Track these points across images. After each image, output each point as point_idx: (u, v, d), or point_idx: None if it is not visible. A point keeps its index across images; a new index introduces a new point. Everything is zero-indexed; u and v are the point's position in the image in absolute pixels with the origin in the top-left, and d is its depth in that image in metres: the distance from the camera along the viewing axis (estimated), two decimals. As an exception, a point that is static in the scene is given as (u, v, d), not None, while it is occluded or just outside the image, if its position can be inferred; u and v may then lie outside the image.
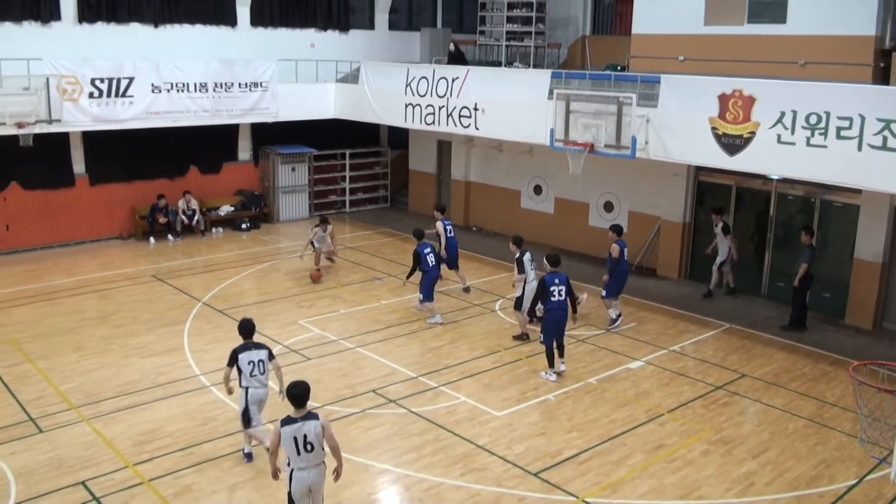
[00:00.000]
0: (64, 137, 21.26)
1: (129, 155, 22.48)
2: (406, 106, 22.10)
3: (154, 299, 17.62)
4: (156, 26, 22.35)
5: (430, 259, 16.33)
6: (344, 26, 26.19)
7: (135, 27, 22.01)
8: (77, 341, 15.14)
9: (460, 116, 20.63)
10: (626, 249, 16.50)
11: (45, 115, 19.09)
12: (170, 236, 22.75)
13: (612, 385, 13.57)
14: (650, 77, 16.92)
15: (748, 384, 13.76)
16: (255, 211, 24.87)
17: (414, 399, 12.85)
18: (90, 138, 21.66)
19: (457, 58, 24.00)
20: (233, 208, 24.55)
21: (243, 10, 23.90)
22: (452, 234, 18.04)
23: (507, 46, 25.73)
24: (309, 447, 8.31)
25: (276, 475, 8.85)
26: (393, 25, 27.63)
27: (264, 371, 10.73)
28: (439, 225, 17.86)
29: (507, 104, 19.41)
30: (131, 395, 12.84)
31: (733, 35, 18.65)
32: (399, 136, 27.56)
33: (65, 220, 21.87)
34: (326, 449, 8.52)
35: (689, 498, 10.21)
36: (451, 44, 24.59)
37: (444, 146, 25.97)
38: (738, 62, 17.90)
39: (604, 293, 16.36)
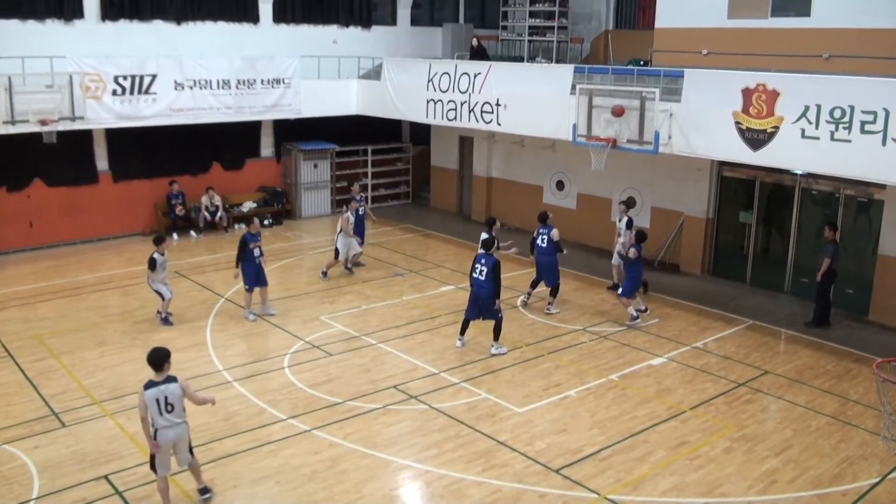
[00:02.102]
0: (87, 134, 21.45)
1: (152, 152, 22.65)
2: (428, 102, 22.11)
3: (177, 295, 17.65)
4: (178, 23, 22.47)
5: (256, 252, 16.28)
6: (366, 22, 26.23)
7: (157, 24, 22.15)
8: (100, 337, 15.27)
9: (482, 112, 20.61)
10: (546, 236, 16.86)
11: (69, 112, 19.25)
12: (192, 232, 22.88)
13: (634, 382, 13.51)
14: (673, 71, 16.83)
15: (771, 381, 13.66)
16: (278, 207, 24.96)
17: (435, 395, 12.85)
18: (113, 135, 21.84)
19: (479, 53, 23.96)
20: (255, 204, 24.65)
21: (265, 7, 23.99)
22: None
23: (529, 42, 25.66)
24: (169, 408, 9.27)
25: (152, 446, 9.43)
26: (415, 21, 27.63)
27: None
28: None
29: (530, 100, 19.37)
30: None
31: (757, 28, 18.52)
32: (421, 132, 27.58)
33: (88, 216, 22.05)
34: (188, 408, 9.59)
35: (711, 495, 10.15)
36: (474, 39, 24.55)
37: (465, 142, 25.95)
38: (762, 56, 17.77)
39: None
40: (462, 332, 14.85)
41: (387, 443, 11.34)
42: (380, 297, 17.67)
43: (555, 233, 16.79)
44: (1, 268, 19.74)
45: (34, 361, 14.08)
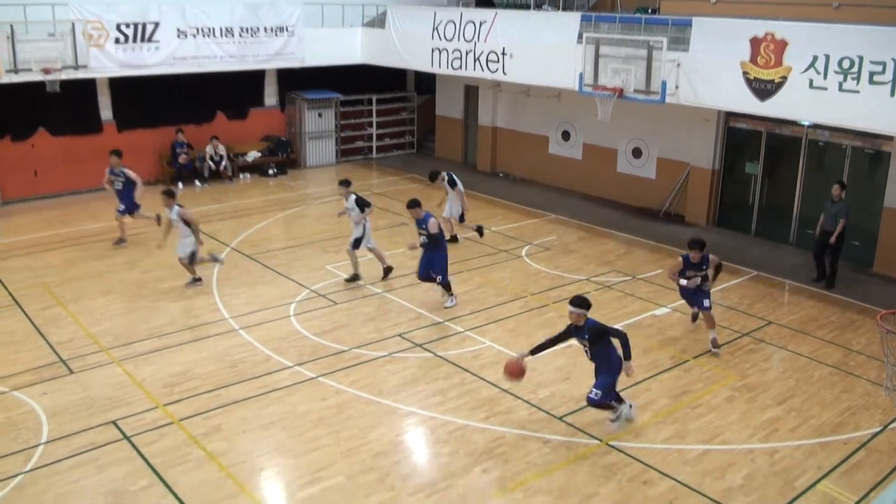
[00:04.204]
0: (91, 83, 21.33)
1: (155, 101, 22.52)
2: (433, 50, 21.92)
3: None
4: (181, -31, 22.23)
5: None
6: (370, -31, 25.91)
7: (160, -30, 21.91)
8: (107, 285, 15.34)
9: (488, 61, 20.44)
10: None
11: (72, 60, 19.15)
12: (197, 182, 22.86)
13: (638, 331, 13.57)
14: (681, 20, 16.62)
15: (774, 331, 13.71)
16: (282, 157, 24.89)
17: (440, 343, 12.94)
18: (117, 84, 21.72)
19: (485, 1, 23.68)
20: (260, 154, 24.58)
21: (269, -47, 23.68)
22: None
23: (535, -11, 25.34)
24: None
25: None
26: (420, -32, 27.26)
27: None
28: None
29: (536, 48, 19.20)
30: (160, 338, 13.03)
31: (767, -23, 18.25)
32: (426, 82, 27.37)
33: (92, 165, 21.94)
34: None
35: (712, 443, 10.25)
36: (480, -14, 24.27)
37: (471, 91, 25.77)
38: (771, 5, 17.51)
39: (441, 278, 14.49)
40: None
41: (392, 390, 11.45)
42: (384, 246, 17.57)
43: (433, 223, 14.27)
44: (6, 217, 19.79)
45: (41, 309, 14.17)
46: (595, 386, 10.16)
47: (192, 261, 15.09)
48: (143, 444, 9.99)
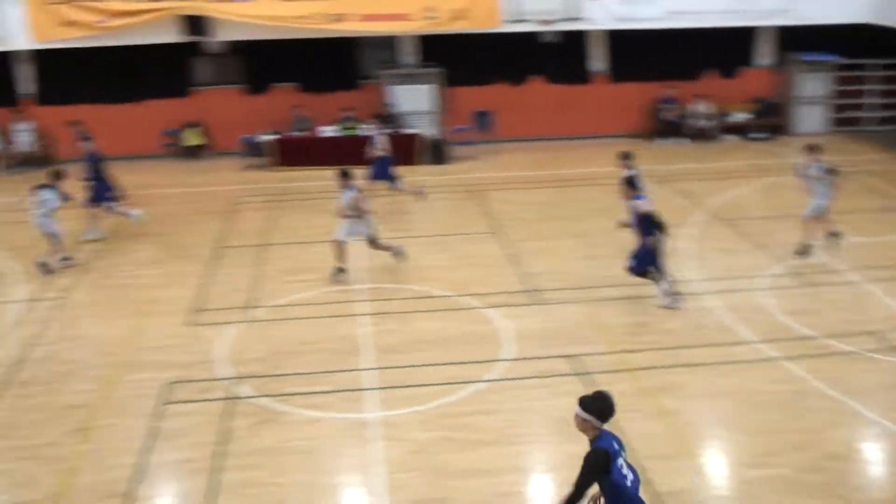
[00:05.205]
0: (584, 34, 22.27)
1: (648, 54, 22.66)
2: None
3: (657, 200, 17.81)
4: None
5: None
6: None
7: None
8: (580, 229, 16.06)
9: None
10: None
11: (569, 13, 20.21)
12: (679, 139, 22.84)
13: None
14: None
15: None
16: (771, 121, 23.81)
17: (920, 351, 11.51)
18: (614, 36, 22.38)
19: None
20: (749, 116, 23.77)
21: None
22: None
23: None
24: None
25: None
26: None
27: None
28: None
29: None
30: (623, 287, 13.12)
31: None
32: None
33: (579, 114, 23.03)
34: None
35: None
36: None
37: None
38: None
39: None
40: None
41: (860, 391, 10.33)
42: (869, 230, 15.89)
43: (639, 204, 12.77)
44: (498, 153, 21.69)
45: (518, 241, 15.42)
46: None
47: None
48: (595, 385, 10.28)
